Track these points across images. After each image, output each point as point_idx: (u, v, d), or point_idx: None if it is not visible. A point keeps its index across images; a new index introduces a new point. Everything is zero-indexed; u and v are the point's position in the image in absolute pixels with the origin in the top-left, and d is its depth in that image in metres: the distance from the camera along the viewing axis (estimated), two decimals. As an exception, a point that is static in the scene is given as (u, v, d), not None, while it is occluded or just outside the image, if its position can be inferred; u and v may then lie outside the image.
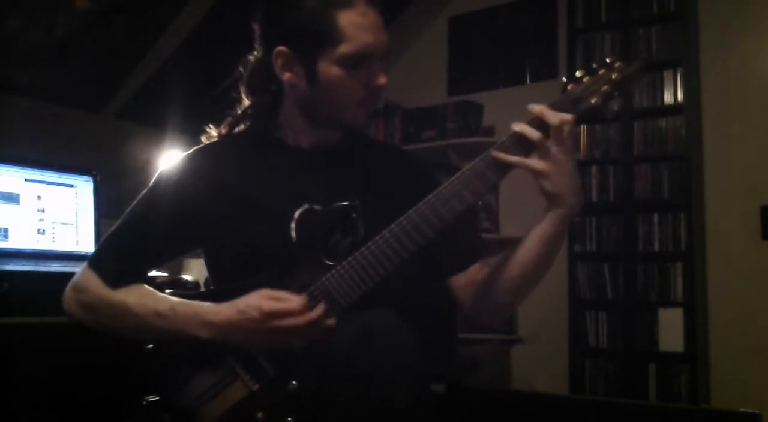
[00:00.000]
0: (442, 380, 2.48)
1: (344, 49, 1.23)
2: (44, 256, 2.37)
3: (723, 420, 2.37)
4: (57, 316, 1.39)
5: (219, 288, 1.37)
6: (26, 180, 2.41)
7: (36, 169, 2.45)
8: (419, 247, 1.20)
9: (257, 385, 1.24)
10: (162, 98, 3.39)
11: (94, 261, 1.36)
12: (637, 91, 3.51)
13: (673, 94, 3.48)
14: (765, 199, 3.35)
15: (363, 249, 1.21)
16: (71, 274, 1.37)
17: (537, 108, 1.20)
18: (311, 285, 1.23)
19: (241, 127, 1.42)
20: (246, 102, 1.40)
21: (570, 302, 3.64)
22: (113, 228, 1.36)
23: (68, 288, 1.35)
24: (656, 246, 3.46)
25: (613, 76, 1.21)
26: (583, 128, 3.64)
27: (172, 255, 1.42)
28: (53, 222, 2.46)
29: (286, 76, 1.30)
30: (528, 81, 4.12)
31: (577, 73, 1.23)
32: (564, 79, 1.24)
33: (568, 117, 1.18)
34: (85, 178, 2.58)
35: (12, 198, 2.36)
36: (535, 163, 1.18)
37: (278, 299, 1.20)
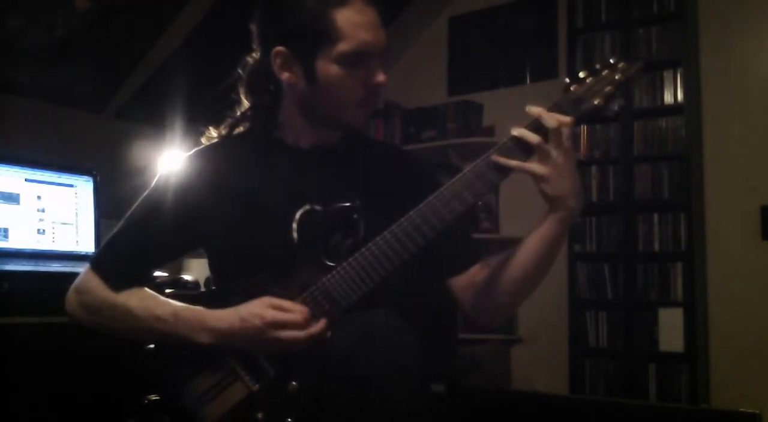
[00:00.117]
0: (442, 380, 2.48)
1: (342, 47, 1.23)
2: (44, 256, 2.37)
3: (723, 420, 2.37)
4: (57, 316, 1.39)
5: (220, 289, 1.37)
6: (26, 180, 2.41)
7: (36, 169, 2.45)
8: (419, 248, 1.20)
9: (257, 385, 1.24)
10: (162, 98, 3.39)
11: (96, 263, 1.36)
12: (637, 91, 3.51)
13: (673, 94, 3.47)
14: (765, 198, 3.35)
15: (363, 249, 1.21)
16: (71, 274, 1.37)
17: (535, 110, 1.20)
18: (312, 286, 1.23)
19: (241, 128, 1.42)
20: (245, 103, 1.40)
21: (570, 302, 3.64)
22: (115, 230, 1.36)
23: (71, 290, 1.36)
24: (656, 246, 3.46)
25: (616, 77, 1.21)
26: (583, 128, 3.64)
27: (173, 256, 1.43)
28: (53, 222, 2.46)
29: (285, 76, 1.30)
30: (528, 81, 4.12)
31: (580, 74, 1.23)
32: (567, 80, 1.24)
33: (566, 119, 1.18)
34: (85, 178, 2.58)
35: (12, 198, 2.36)
36: (534, 166, 1.18)
37: (281, 309, 1.20)
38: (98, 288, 1.32)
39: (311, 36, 1.24)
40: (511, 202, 3.89)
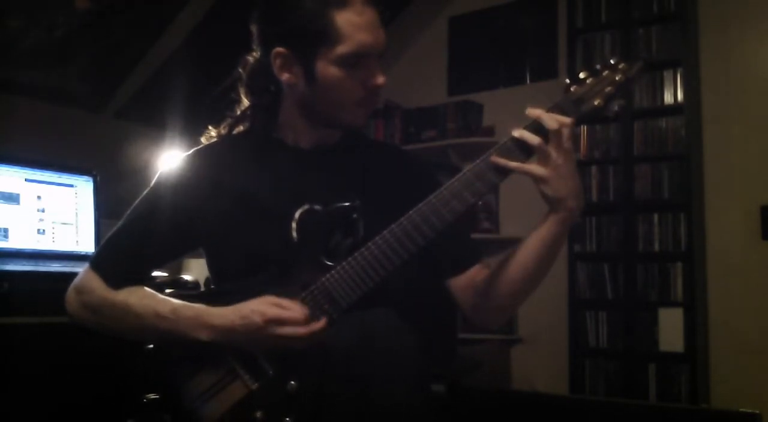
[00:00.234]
0: (442, 380, 2.48)
1: (342, 49, 1.23)
2: (44, 256, 2.37)
3: (723, 420, 2.36)
4: (57, 316, 1.39)
5: (220, 288, 1.37)
6: (26, 180, 2.41)
7: (36, 169, 2.45)
8: (419, 248, 1.20)
9: (256, 385, 1.24)
10: (162, 98, 3.39)
11: (95, 262, 1.36)
12: (637, 91, 3.51)
13: (673, 94, 3.48)
14: (765, 198, 3.35)
15: (363, 249, 1.21)
16: (71, 274, 1.37)
17: (535, 112, 1.20)
18: (311, 285, 1.23)
19: (241, 127, 1.42)
20: (245, 102, 1.40)
21: (570, 302, 3.64)
22: (114, 229, 1.36)
23: (70, 290, 1.35)
24: (656, 246, 3.46)
25: (616, 78, 1.21)
26: (583, 128, 3.64)
27: (173, 256, 1.43)
28: (53, 222, 2.46)
29: (285, 76, 1.30)
30: (528, 81, 4.12)
31: (581, 75, 1.23)
32: (567, 81, 1.24)
33: (566, 120, 1.18)
34: (85, 178, 2.59)
35: (12, 198, 2.36)
36: (534, 168, 1.18)
37: (281, 307, 1.20)
38: (98, 287, 1.32)
39: (311, 37, 1.24)
40: (511, 202, 3.89)
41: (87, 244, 2.53)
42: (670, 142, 3.48)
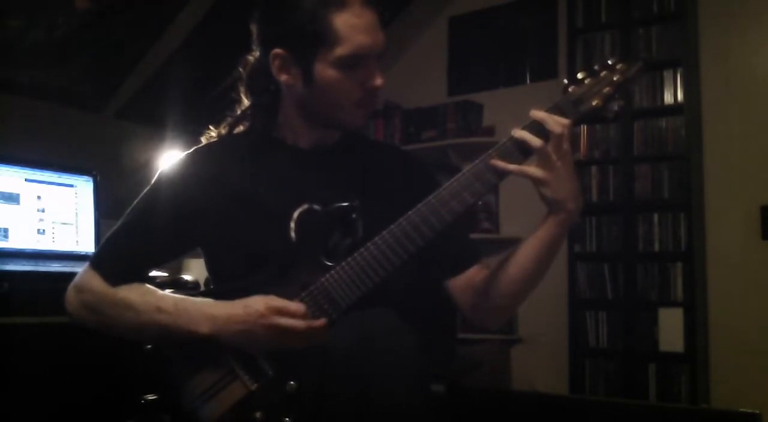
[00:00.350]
0: (442, 380, 2.48)
1: (340, 50, 1.23)
2: (44, 256, 2.37)
3: (723, 420, 2.36)
4: (57, 316, 1.39)
5: (219, 288, 1.37)
6: (26, 180, 2.41)
7: (36, 169, 2.45)
8: (418, 248, 1.20)
9: (256, 385, 1.24)
10: (162, 98, 3.39)
11: (95, 261, 1.36)
12: (637, 91, 3.51)
13: (673, 94, 3.47)
14: (765, 198, 3.35)
15: (362, 249, 1.21)
16: (71, 274, 1.37)
17: (540, 114, 1.20)
18: (310, 286, 1.23)
19: (241, 127, 1.42)
20: (245, 102, 1.40)
21: (570, 302, 3.64)
22: (114, 228, 1.36)
23: (70, 289, 1.35)
24: (656, 247, 3.46)
25: (614, 78, 1.21)
26: (583, 128, 3.64)
27: (172, 255, 1.42)
28: (53, 222, 2.46)
29: (283, 77, 1.30)
30: (528, 81, 4.12)
31: (579, 75, 1.23)
32: (565, 81, 1.24)
33: (566, 122, 1.18)
34: (85, 178, 2.59)
35: (12, 198, 2.36)
36: (533, 170, 1.18)
37: (283, 301, 1.20)
38: (98, 285, 1.32)
39: (309, 39, 1.24)
40: (511, 202, 3.89)
41: (87, 244, 2.53)
42: (670, 142, 3.48)
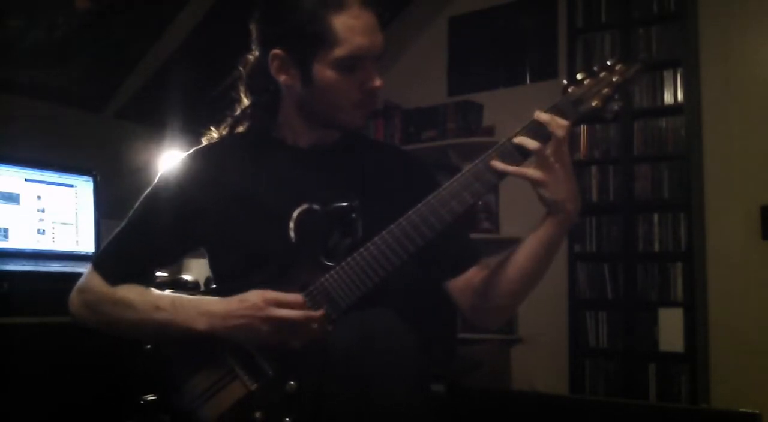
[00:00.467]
0: (442, 380, 2.48)
1: (338, 52, 1.24)
2: (44, 256, 2.38)
3: (723, 420, 2.36)
4: (57, 316, 1.40)
5: (219, 288, 1.37)
6: (26, 180, 2.41)
7: (36, 169, 2.45)
8: (418, 249, 1.20)
9: (256, 385, 1.24)
10: (162, 98, 3.39)
11: (97, 262, 1.37)
12: (637, 91, 3.51)
13: (673, 94, 3.47)
14: (765, 198, 3.35)
15: (362, 249, 1.21)
16: (71, 274, 1.38)
17: (544, 117, 1.19)
18: (310, 286, 1.23)
19: (241, 127, 1.42)
20: (245, 101, 1.41)
21: (570, 302, 3.64)
22: (117, 229, 1.37)
23: (74, 291, 1.36)
24: (656, 247, 3.46)
25: (613, 79, 1.21)
26: (583, 128, 3.64)
27: (174, 256, 1.43)
28: (53, 222, 2.46)
29: (282, 78, 1.30)
30: (528, 81, 4.12)
31: (578, 75, 1.23)
32: (564, 82, 1.24)
33: (565, 123, 1.18)
34: (85, 178, 2.59)
35: (12, 198, 2.36)
36: (532, 172, 1.18)
37: (280, 293, 1.21)
38: (99, 285, 1.33)
39: (308, 39, 1.24)
40: (511, 202, 3.89)
41: (87, 244, 2.53)
42: (670, 142, 3.47)
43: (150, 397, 1.30)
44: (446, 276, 1.38)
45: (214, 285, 1.42)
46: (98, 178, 2.62)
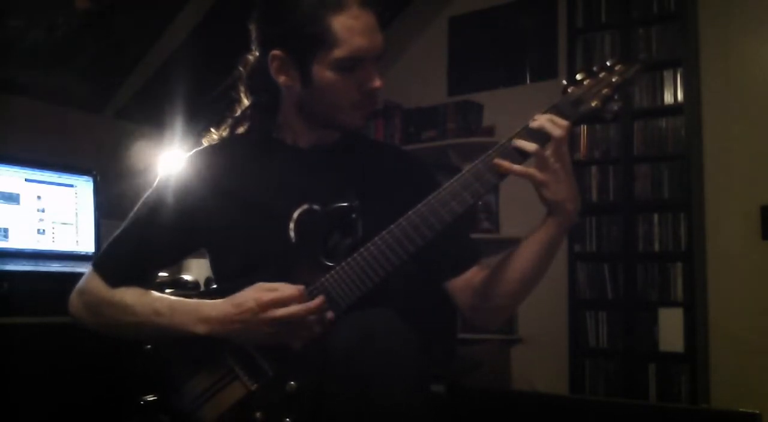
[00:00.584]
0: (442, 380, 2.48)
1: (338, 53, 1.24)
2: (44, 256, 2.37)
3: (723, 420, 2.36)
4: (57, 316, 1.39)
5: (219, 288, 1.37)
6: (26, 180, 2.41)
7: (36, 169, 2.45)
8: (418, 249, 1.20)
9: (256, 385, 1.24)
10: (162, 98, 3.39)
11: (97, 263, 1.37)
12: (637, 91, 3.50)
13: (673, 94, 3.47)
14: (765, 198, 3.35)
15: (362, 250, 1.21)
16: (71, 274, 1.38)
17: (536, 123, 1.19)
18: (310, 286, 1.23)
19: (241, 128, 1.42)
20: (245, 102, 1.41)
21: (570, 302, 3.63)
22: (117, 231, 1.37)
23: (74, 292, 1.37)
24: (656, 247, 3.46)
25: (613, 80, 1.22)
26: (583, 128, 3.64)
27: (174, 257, 1.43)
28: (53, 222, 2.46)
29: (282, 79, 1.31)
30: (528, 81, 4.12)
31: (578, 76, 1.24)
32: (564, 82, 1.24)
33: (564, 124, 1.18)
34: (85, 178, 2.58)
35: (12, 198, 2.36)
36: (535, 172, 1.19)
37: (274, 290, 1.20)
38: (98, 287, 1.33)
39: (307, 41, 1.24)
40: (511, 202, 3.89)
41: (87, 244, 2.53)
42: (670, 142, 3.47)
43: (150, 397, 1.30)
44: (446, 276, 1.38)
45: (215, 286, 1.42)
46: (98, 178, 2.61)
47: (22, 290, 2.04)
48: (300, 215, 1.27)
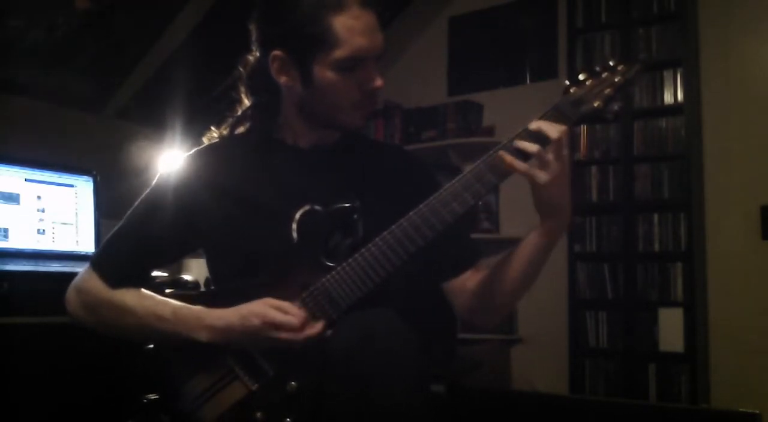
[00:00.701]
0: (442, 380, 2.48)
1: (338, 53, 1.24)
2: (44, 256, 2.37)
3: (723, 420, 2.36)
4: (57, 316, 1.39)
5: (219, 288, 1.37)
6: (26, 180, 2.41)
7: (36, 169, 2.45)
8: (419, 249, 1.21)
9: (256, 385, 1.24)
10: (162, 98, 3.39)
11: (95, 262, 1.36)
12: (637, 91, 3.50)
13: (673, 94, 3.47)
14: (765, 199, 3.35)
15: (363, 250, 1.21)
16: (71, 274, 1.37)
17: (534, 126, 1.19)
18: (311, 286, 1.23)
19: (242, 128, 1.42)
20: (246, 102, 1.40)
21: (570, 302, 3.63)
22: (115, 229, 1.37)
23: (70, 289, 1.36)
24: (656, 247, 3.46)
25: (615, 80, 1.22)
26: (583, 128, 3.64)
27: (173, 256, 1.43)
28: (53, 222, 2.46)
29: (282, 79, 1.30)
30: (528, 81, 4.12)
31: (580, 76, 1.23)
32: (566, 82, 1.24)
33: (563, 128, 1.18)
34: (85, 178, 2.58)
35: (12, 198, 2.36)
36: (539, 172, 1.19)
37: (281, 310, 1.20)
38: (97, 286, 1.32)
39: (308, 41, 1.24)
40: (511, 202, 3.89)
41: (87, 244, 2.53)
42: (670, 142, 3.47)
43: (150, 397, 1.30)
44: (446, 276, 1.38)
45: (214, 286, 1.42)
46: (98, 178, 2.61)
47: (22, 290, 2.04)
48: (302, 215, 1.27)
